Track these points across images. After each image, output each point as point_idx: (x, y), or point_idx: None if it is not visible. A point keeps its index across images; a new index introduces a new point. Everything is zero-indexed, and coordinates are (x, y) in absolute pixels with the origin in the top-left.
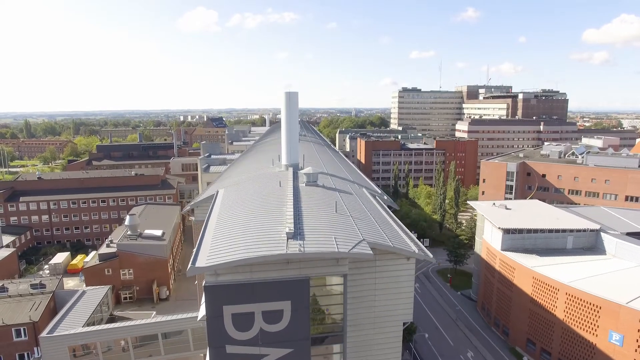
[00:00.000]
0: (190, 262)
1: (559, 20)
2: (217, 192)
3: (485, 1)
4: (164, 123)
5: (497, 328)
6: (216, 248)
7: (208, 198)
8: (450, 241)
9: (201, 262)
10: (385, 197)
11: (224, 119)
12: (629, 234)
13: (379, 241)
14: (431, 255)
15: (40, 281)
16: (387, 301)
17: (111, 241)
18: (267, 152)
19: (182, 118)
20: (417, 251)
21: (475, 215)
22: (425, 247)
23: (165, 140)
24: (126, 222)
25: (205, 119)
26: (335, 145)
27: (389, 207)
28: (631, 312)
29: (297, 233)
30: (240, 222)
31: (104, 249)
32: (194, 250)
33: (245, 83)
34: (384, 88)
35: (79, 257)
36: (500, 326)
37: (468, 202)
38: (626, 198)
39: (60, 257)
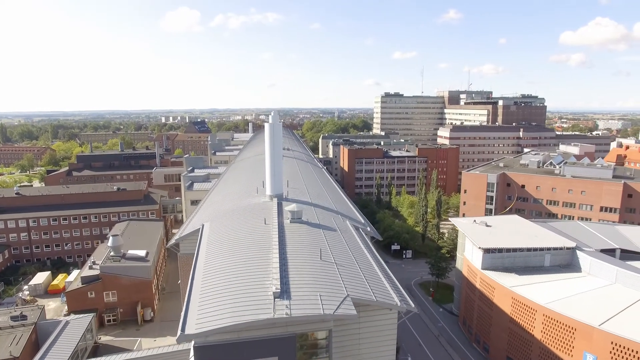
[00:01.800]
0: (180, 329)
1: (537, 22)
2: (203, 226)
3: (466, 3)
4: (145, 125)
5: (477, 344)
6: (204, 310)
7: (194, 232)
8: (432, 252)
9: (190, 328)
10: (369, 229)
11: (206, 120)
12: (602, 250)
13: (363, 296)
14: (413, 305)
15: (22, 312)
16: (371, 349)
17: (94, 262)
18: (251, 173)
19: (163, 119)
20: (399, 303)
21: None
22: (408, 259)
23: (147, 147)
24: (109, 243)
25: (187, 120)
26: (318, 151)
27: (372, 237)
28: (603, 334)
29: (284, 291)
30: (227, 274)
31: (86, 271)
32: (182, 311)
33: (227, 83)
34: (367, 88)
35: (60, 276)
36: (481, 343)
37: (449, 218)
38: (601, 209)
39: (40, 277)
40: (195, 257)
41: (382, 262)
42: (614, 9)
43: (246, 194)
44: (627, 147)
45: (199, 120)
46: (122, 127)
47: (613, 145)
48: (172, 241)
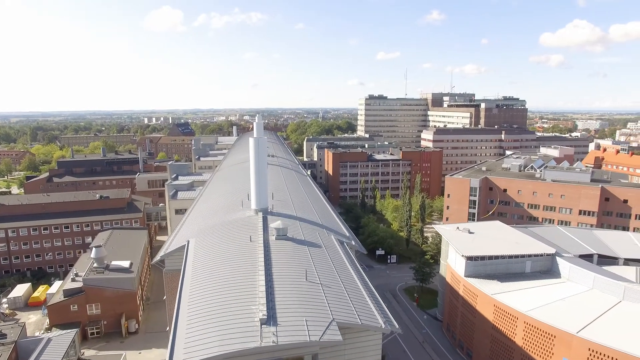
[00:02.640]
0: (168, 359)
1: (517, 23)
2: (188, 242)
3: (449, 4)
4: (128, 127)
5: (461, 350)
6: (191, 339)
7: (179, 249)
8: (416, 257)
9: (178, 359)
10: (353, 242)
11: (190, 121)
12: (581, 256)
13: (349, 319)
14: (397, 326)
15: (0, 331)
16: None
17: (76, 274)
18: (236, 182)
19: (146, 120)
20: (383, 325)
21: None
22: (393, 263)
23: (130, 151)
24: (92, 255)
25: (170, 121)
26: (302, 153)
27: (357, 251)
28: (581, 341)
29: (270, 316)
30: (214, 299)
31: (69, 284)
32: (170, 340)
33: (211, 83)
34: (351, 88)
35: (41, 288)
36: (464, 349)
37: (433, 224)
38: (580, 212)
39: (20, 290)
40: (181, 279)
41: (367, 280)
42: (590, 12)
43: (231, 207)
44: (605, 150)
45: (182, 121)
46: (103, 128)
47: (591, 146)
48: (157, 258)
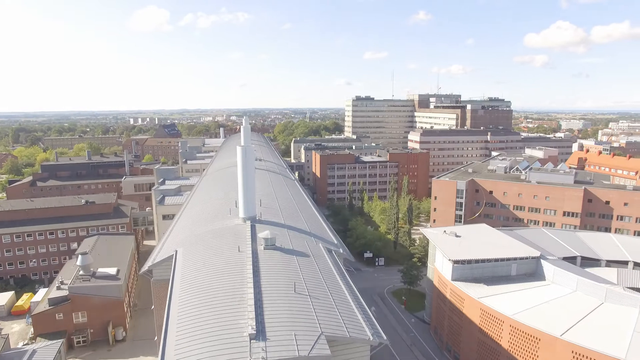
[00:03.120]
0: None
1: (502, 24)
2: (176, 252)
3: (435, 5)
4: (113, 128)
5: (448, 353)
6: (180, 355)
7: (167, 259)
8: (404, 260)
9: None
10: (341, 250)
11: (176, 121)
12: (565, 258)
13: (337, 332)
14: (385, 337)
15: None
16: None
17: (62, 282)
18: (224, 188)
19: (132, 121)
20: (371, 337)
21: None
22: (381, 266)
23: (115, 153)
24: (78, 262)
25: (156, 122)
26: (290, 154)
27: (346, 258)
28: (564, 344)
29: (259, 331)
30: (203, 313)
31: (54, 292)
32: (159, 355)
33: (198, 83)
34: (338, 88)
35: (25, 296)
36: (452, 352)
37: (420, 228)
38: (564, 213)
39: (3, 298)
40: (169, 292)
41: (355, 290)
42: (573, 13)
43: (219, 215)
44: (587, 150)
45: (169, 122)
46: (88, 129)
47: (575, 147)
48: (145, 268)
